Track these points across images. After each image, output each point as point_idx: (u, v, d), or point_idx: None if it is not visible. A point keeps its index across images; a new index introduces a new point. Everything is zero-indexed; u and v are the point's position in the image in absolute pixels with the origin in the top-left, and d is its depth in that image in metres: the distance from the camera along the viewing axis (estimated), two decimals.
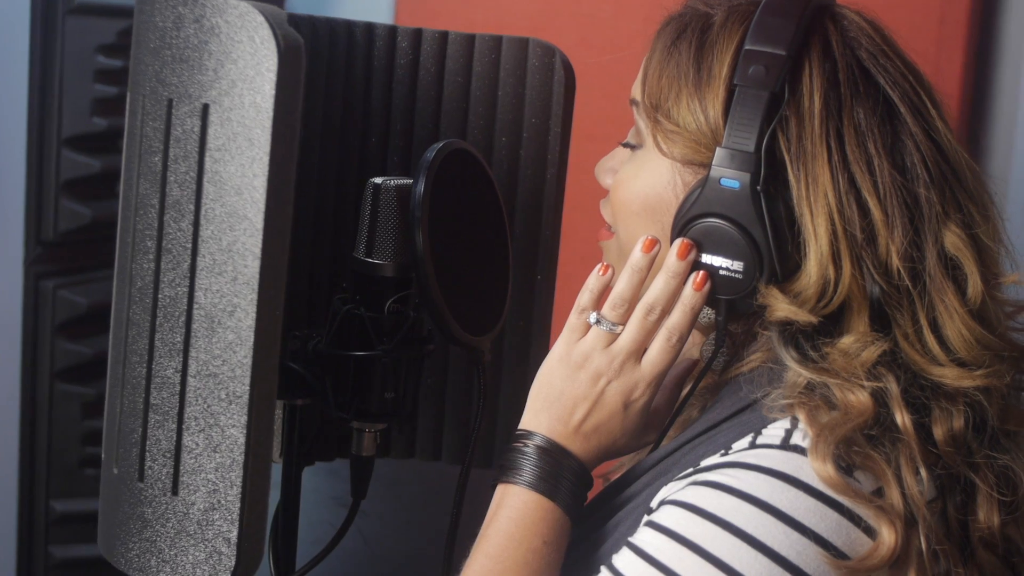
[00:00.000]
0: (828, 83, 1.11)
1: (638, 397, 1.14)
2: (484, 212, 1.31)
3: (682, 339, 1.14)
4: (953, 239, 1.10)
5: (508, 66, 1.44)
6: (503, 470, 1.14)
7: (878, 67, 1.13)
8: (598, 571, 1.07)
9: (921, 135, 1.12)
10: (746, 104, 1.10)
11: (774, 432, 1.07)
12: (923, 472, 1.05)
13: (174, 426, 1.08)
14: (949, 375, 1.07)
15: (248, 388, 1.06)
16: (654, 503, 1.09)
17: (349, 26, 1.41)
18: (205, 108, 1.05)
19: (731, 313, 1.14)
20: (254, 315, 1.05)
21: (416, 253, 1.20)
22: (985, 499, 1.09)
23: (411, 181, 1.22)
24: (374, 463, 1.33)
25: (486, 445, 1.49)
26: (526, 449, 1.14)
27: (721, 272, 1.12)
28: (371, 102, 1.43)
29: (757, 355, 1.14)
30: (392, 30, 1.43)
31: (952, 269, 1.10)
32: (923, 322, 1.08)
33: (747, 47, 1.12)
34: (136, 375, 1.09)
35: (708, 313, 1.17)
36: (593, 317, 1.15)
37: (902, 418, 1.06)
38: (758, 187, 1.09)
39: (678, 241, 1.13)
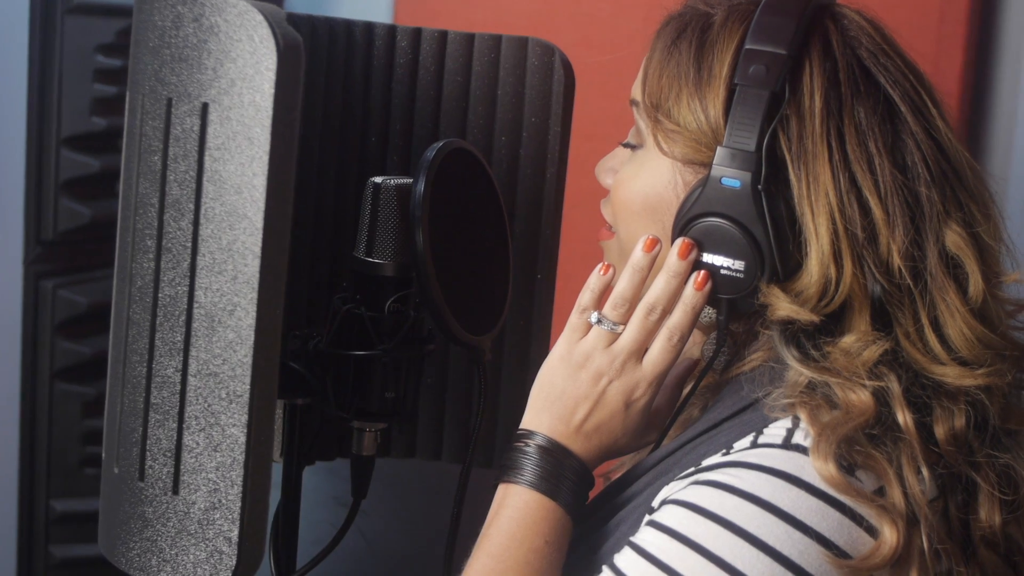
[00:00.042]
0: (829, 82, 1.11)
1: (639, 397, 1.14)
2: (484, 211, 1.30)
3: (683, 339, 1.14)
4: (954, 238, 1.10)
5: (508, 65, 1.43)
6: (504, 470, 1.14)
7: (878, 66, 1.13)
8: (600, 571, 1.07)
9: (922, 134, 1.12)
10: (747, 103, 1.10)
11: (776, 431, 1.07)
12: (925, 471, 1.05)
13: (175, 425, 1.08)
14: (950, 374, 1.07)
15: (248, 387, 1.05)
16: (655, 502, 1.09)
17: (348, 25, 1.41)
18: (204, 107, 1.05)
19: (732, 312, 1.14)
20: (254, 314, 1.05)
21: (416, 252, 1.20)
22: (987, 498, 1.09)
23: (411, 180, 1.22)
24: (375, 462, 1.33)
25: (486, 444, 1.49)
26: (527, 449, 1.14)
27: (722, 271, 1.12)
28: (371, 101, 1.43)
29: (758, 354, 1.14)
30: (391, 29, 1.43)
31: (953, 268, 1.10)
32: (924, 321, 1.08)
33: (747, 46, 1.12)
34: (136, 374, 1.09)
35: (709, 312, 1.17)
36: (594, 317, 1.15)
37: (904, 417, 1.06)
38: (759, 186, 1.09)
39: (679, 241, 1.13)
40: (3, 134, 2.23)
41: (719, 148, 1.11)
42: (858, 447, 1.04)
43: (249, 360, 1.05)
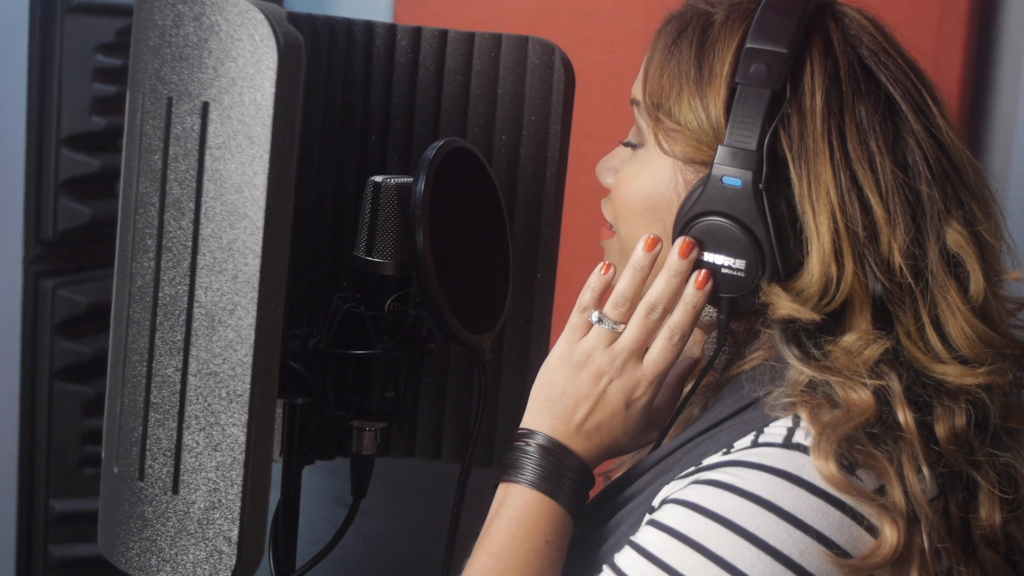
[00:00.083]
0: (830, 81, 1.11)
1: (640, 396, 1.14)
2: (484, 210, 1.30)
3: (684, 338, 1.14)
4: (955, 236, 1.10)
5: (508, 64, 1.43)
6: (505, 469, 1.14)
7: (879, 65, 1.13)
8: (600, 570, 1.07)
9: (923, 132, 1.12)
10: (748, 102, 1.10)
11: (776, 430, 1.07)
12: (925, 470, 1.05)
13: (174, 425, 1.07)
14: (951, 373, 1.07)
15: (249, 387, 1.05)
16: (656, 502, 1.09)
17: (348, 24, 1.41)
18: (205, 106, 1.05)
19: (733, 311, 1.14)
20: (254, 313, 1.05)
21: (416, 251, 1.20)
22: (987, 497, 1.09)
23: (411, 179, 1.22)
24: (374, 462, 1.33)
25: (486, 444, 1.49)
26: (528, 448, 1.14)
27: (723, 270, 1.12)
28: (371, 100, 1.43)
29: (759, 353, 1.14)
30: (391, 28, 1.43)
31: (954, 266, 1.10)
32: (925, 320, 1.08)
33: (748, 45, 1.12)
34: (136, 374, 1.09)
35: (710, 311, 1.17)
36: (595, 316, 1.15)
37: (904, 416, 1.06)
38: (760, 185, 1.09)
39: (680, 240, 1.13)
40: (3, 133, 2.23)
41: (720, 147, 1.11)
42: (859, 446, 1.04)
43: (249, 359, 1.05)
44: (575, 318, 1.16)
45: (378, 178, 1.24)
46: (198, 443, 1.07)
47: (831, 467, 1.02)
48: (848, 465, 1.03)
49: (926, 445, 1.06)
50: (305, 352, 1.27)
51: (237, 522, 1.06)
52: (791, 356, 1.09)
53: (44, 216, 2.30)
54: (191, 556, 1.08)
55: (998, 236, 1.14)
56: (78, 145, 2.31)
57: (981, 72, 2.43)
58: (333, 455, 1.45)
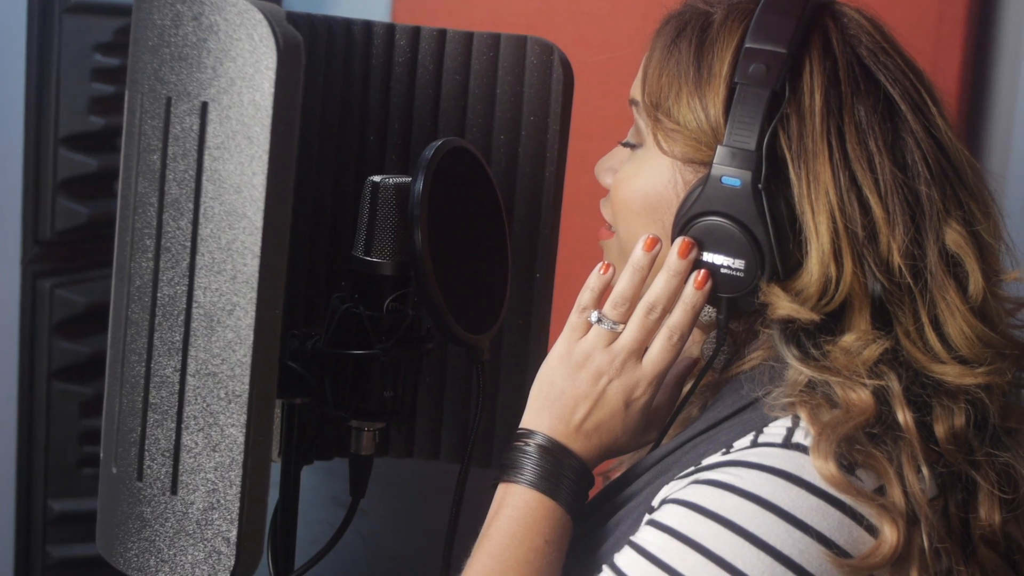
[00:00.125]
0: (829, 81, 1.11)
1: (639, 396, 1.14)
2: (483, 210, 1.30)
3: (683, 338, 1.14)
4: (954, 236, 1.10)
5: (506, 64, 1.43)
6: (505, 469, 1.14)
7: (878, 65, 1.13)
8: (600, 570, 1.06)
9: (922, 132, 1.12)
10: (747, 102, 1.10)
11: (776, 430, 1.07)
12: (925, 470, 1.05)
13: (173, 425, 1.07)
14: (951, 373, 1.07)
15: (247, 387, 1.05)
16: (655, 502, 1.09)
17: (347, 24, 1.41)
18: (204, 106, 1.05)
19: (732, 311, 1.14)
20: (253, 314, 1.05)
21: (415, 251, 1.20)
22: (986, 497, 1.09)
23: (410, 179, 1.22)
24: (373, 462, 1.33)
25: (485, 444, 1.49)
26: (527, 448, 1.14)
27: (722, 270, 1.12)
28: (369, 100, 1.43)
29: (758, 353, 1.14)
30: (390, 28, 1.43)
31: (953, 266, 1.10)
32: (924, 320, 1.08)
33: (747, 45, 1.12)
34: (135, 374, 1.09)
35: (709, 311, 1.17)
36: (594, 316, 1.15)
37: (904, 416, 1.06)
38: (759, 185, 1.09)
39: (679, 240, 1.13)
40: (1, 133, 2.23)
41: (719, 147, 1.11)
42: (858, 446, 1.04)
43: (248, 360, 1.05)
44: (574, 318, 1.16)
45: (377, 178, 1.24)
46: (197, 443, 1.07)
47: (831, 467, 1.02)
48: (848, 465, 1.03)
49: (925, 445, 1.06)
50: (304, 352, 1.27)
51: (236, 523, 1.06)
52: (790, 356, 1.09)
53: (42, 216, 2.29)
54: (190, 556, 1.07)
55: (997, 236, 1.14)
56: (76, 145, 2.30)
57: (979, 72, 2.43)
58: (332, 455, 1.45)
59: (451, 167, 1.24)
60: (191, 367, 1.07)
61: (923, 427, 1.07)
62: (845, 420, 1.04)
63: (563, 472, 1.13)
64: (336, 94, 1.41)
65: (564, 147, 1.45)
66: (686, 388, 1.24)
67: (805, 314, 1.08)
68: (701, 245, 1.13)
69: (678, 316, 1.13)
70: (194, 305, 1.06)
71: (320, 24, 1.39)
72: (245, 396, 1.05)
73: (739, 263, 1.11)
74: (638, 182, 1.18)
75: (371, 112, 1.43)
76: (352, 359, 1.26)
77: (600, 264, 1.17)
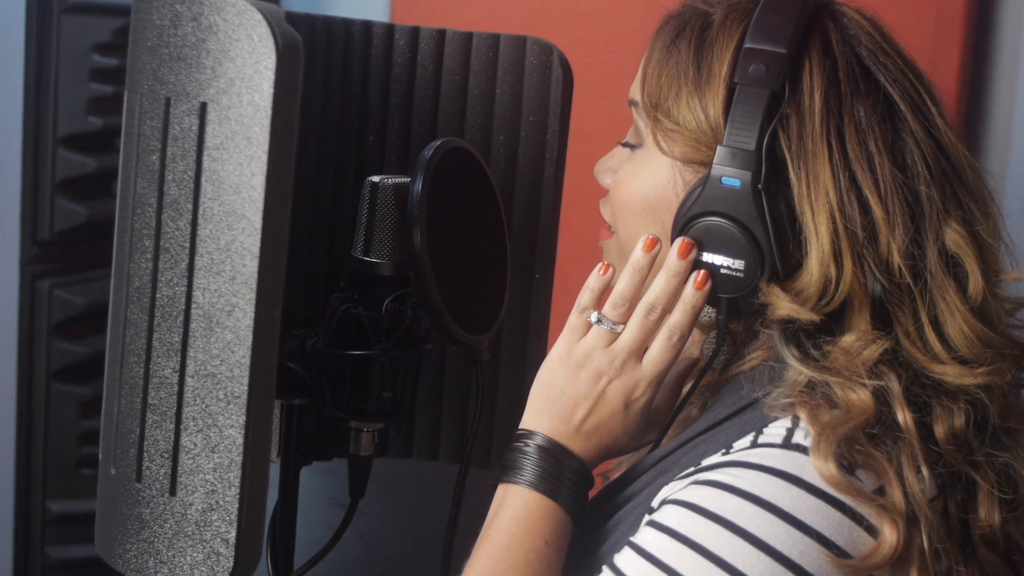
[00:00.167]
0: (828, 81, 1.11)
1: (639, 396, 1.14)
2: (482, 211, 1.30)
3: (683, 338, 1.14)
4: (954, 236, 1.10)
5: (506, 64, 1.43)
6: (504, 470, 1.14)
7: (878, 65, 1.13)
8: (599, 570, 1.06)
9: (921, 132, 1.12)
10: (747, 102, 1.10)
11: (775, 431, 1.07)
12: (924, 470, 1.05)
13: (172, 426, 1.07)
14: (950, 373, 1.07)
15: (246, 388, 1.05)
16: (655, 502, 1.09)
17: (346, 24, 1.41)
18: (203, 107, 1.05)
19: (732, 312, 1.14)
20: (252, 315, 1.05)
21: (414, 252, 1.20)
22: (986, 497, 1.09)
23: (409, 179, 1.22)
24: (372, 463, 1.33)
25: (484, 445, 1.48)
26: (527, 449, 1.13)
27: (722, 271, 1.12)
28: (368, 100, 1.43)
29: (758, 353, 1.14)
30: (389, 28, 1.43)
31: (953, 267, 1.10)
32: (924, 320, 1.08)
33: (747, 45, 1.12)
34: (134, 375, 1.09)
35: (709, 311, 1.17)
36: (594, 316, 1.15)
37: (903, 416, 1.06)
38: (759, 185, 1.09)
39: (679, 240, 1.13)
40: None
41: (719, 147, 1.11)
42: (858, 446, 1.04)
43: (247, 361, 1.05)
44: (574, 318, 1.16)
45: (376, 178, 1.24)
46: (196, 445, 1.06)
47: (831, 467, 1.02)
48: (848, 465, 1.03)
49: (925, 445, 1.06)
50: (303, 353, 1.27)
51: (235, 524, 1.06)
52: (790, 356, 1.09)
53: (41, 216, 2.29)
54: (189, 558, 1.07)
55: (996, 236, 1.14)
56: (75, 145, 2.30)
57: (978, 72, 2.43)
58: (331, 456, 1.45)
59: (450, 167, 1.24)
60: (190, 368, 1.06)
61: (923, 427, 1.07)
62: (845, 420, 1.04)
63: (563, 473, 1.13)
64: (335, 94, 1.41)
65: (563, 147, 1.45)
66: (686, 388, 1.24)
67: (805, 314, 1.08)
68: (701, 245, 1.13)
69: (678, 316, 1.13)
70: (193, 306, 1.06)
71: (319, 24, 1.38)
72: (244, 397, 1.05)
73: (739, 263, 1.11)
74: (638, 182, 1.18)
75: (370, 112, 1.43)
76: (351, 360, 1.25)
77: (600, 264, 1.17)
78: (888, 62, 1.13)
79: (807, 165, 1.09)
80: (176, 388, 1.07)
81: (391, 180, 1.23)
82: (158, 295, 1.07)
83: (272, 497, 1.21)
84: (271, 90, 1.03)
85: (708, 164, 1.12)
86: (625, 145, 1.22)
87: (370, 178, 1.24)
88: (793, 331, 1.10)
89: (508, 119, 1.44)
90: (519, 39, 1.43)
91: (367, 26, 1.42)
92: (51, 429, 2.34)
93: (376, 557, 2.72)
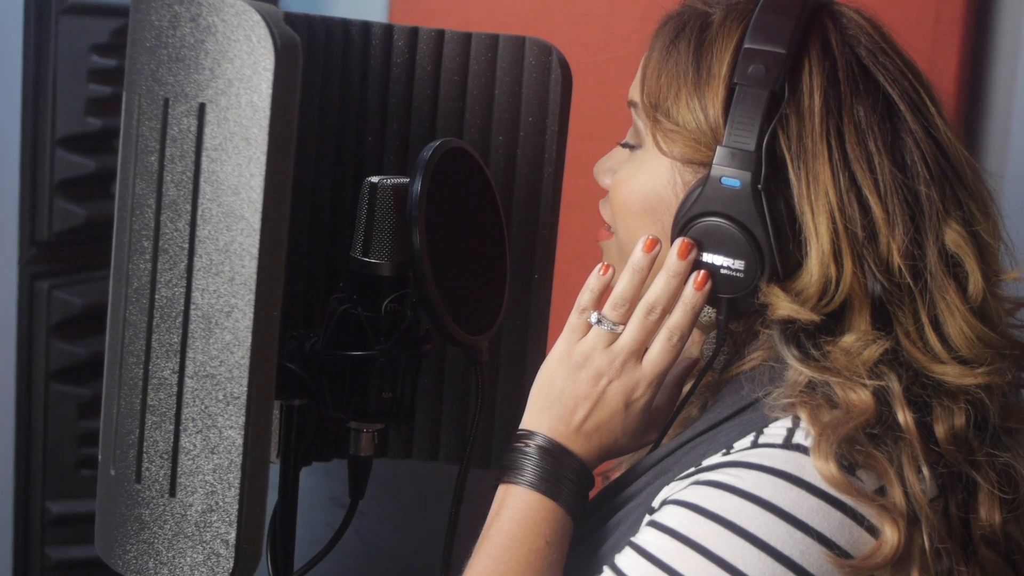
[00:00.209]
0: (828, 81, 1.11)
1: (639, 396, 1.14)
2: (481, 211, 1.30)
3: (683, 338, 1.14)
4: (954, 236, 1.10)
5: (505, 65, 1.43)
6: (505, 470, 1.14)
7: (877, 65, 1.13)
8: (600, 570, 1.06)
9: (921, 132, 1.11)
10: (746, 103, 1.10)
11: (776, 431, 1.07)
12: (925, 470, 1.05)
13: (171, 427, 1.07)
14: (951, 373, 1.07)
15: (246, 389, 1.05)
16: (655, 502, 1.09)
17: (345, 25, 1.41)
18: (202, 107, 1.05)
19: (732, 312, 1.14)
20: (252, 316, 1.04)
21: (413, 252, 1.20)
22: (987, 497, 1.09)
23: (408, 180, 1.22)
24: (372, 463, 1.33)
25: (483, 445, 1.48)
26: (527, 449, 1.13)
27: (722, 271, 1.12)
28: (367, 101, 1.43)
29: (758, 353, 1.14)
30: (388, 29, 1.42)
31: (953, 266, 1.10)
32: (924, 320, 1.08)
33: (746, 45, 1.11)
34: (133, 376, 1.09)
35: (709, 312, 1.17)
36: (594, 317, 1.15)
37: (904, 417, 1.06)
38: (759, 186, 1.09)
39: (679, 240, 1.13)
40: None
41: (719, 148, 1.11)
42: (859, 447, 1.04)
43: (246, 362, 1.05)
44: (574, 319, 1.16)
45: (374, 179, 1.24)
46: (195, 445, 1.06)
47: (831, 468, 1.02)
48: (848, 466, 1.03)
49: (926, 445, 1.06)
50: (302, 353, 1.27)
51: (235, 524, 1.06)
52: (790, 356, 1.09)
53: (39, 217, 2.29)
54: (188, 559, 1.07)
55: (996, 236, 1.14)
56: (73, 146, 2.30)
57: (977, 72, 2.43)
58: (330, 456, 1.45)
59: (449, 168, 1.24)
60: (189, 369, 1.06)
61: (923, 427, 1.07)
62: (845, 421, 1.04)
63: (563, 473, 1.13)
64: (334, 95, 1.40)
65: (562, 148, 1.44)
66: (686, 388, 1.24)
67: (805, 314, 1.08)
68: (701, 246, 1.13)
69: (678, 317, 1.13)
70: (192, 307, 1.06)
71: (318, 25, 1.38)
72: (243, 398, 1.05)
73: (739, 264, 1.11)
74: (637, 183, 1.18)
75: (369, 113, 1.43)
76: (350, 360, 1.25)
77: (600, 265, 1.17)
78: (887, 62, 1.13)
79: (807, 165, 1.09)
80: (175, 389, 1.07)
81: (390, 181, 1.23)
82: (157, 296, 1.07)
83: (272, 497, 1.21)
84: (270, 91, 1.03)
85: (708, 164, 1.12)
86: (624, 146, 1.22)
87: (369, 179, 1.24)
88: (793, 331, 1.10)
89: (507, 119, 1.43)
90: (518, 39, 1.43)
91: (366, 26, 1.42)
92: (50, 430, 2.34)
93: (376, 557, 2.72)
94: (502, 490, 1.14)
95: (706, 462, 1.08)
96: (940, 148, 1.12)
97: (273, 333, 1.07)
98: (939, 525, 1.05)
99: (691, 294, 1.13)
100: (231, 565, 1.06)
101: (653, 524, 1.06)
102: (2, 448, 2.30)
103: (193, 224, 1.06)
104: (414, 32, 1.43)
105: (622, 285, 1.15)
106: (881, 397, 1.06)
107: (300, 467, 1.33)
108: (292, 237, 1.09)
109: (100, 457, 1.15)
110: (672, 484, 1.09)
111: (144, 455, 1.08)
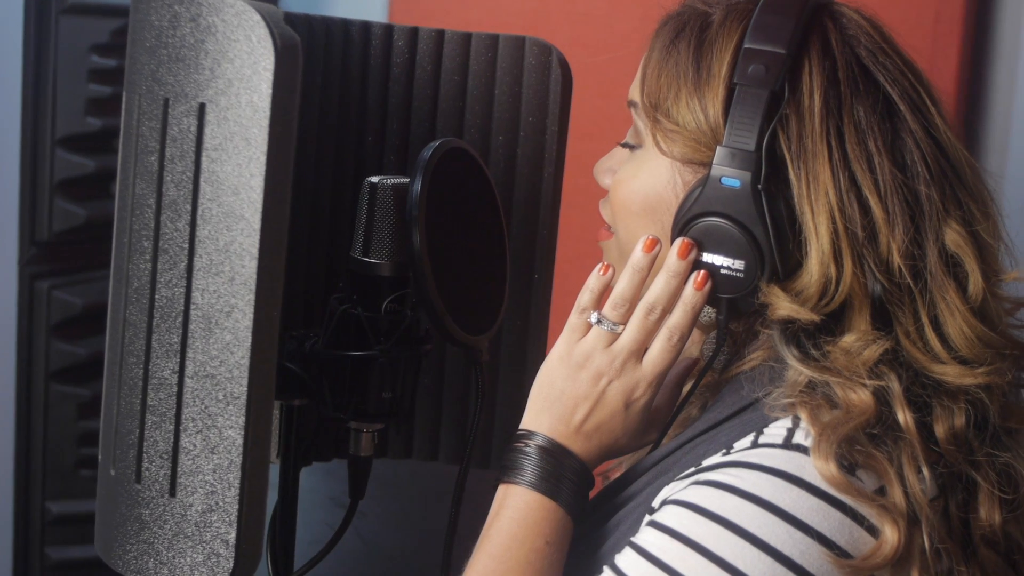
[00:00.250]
0: (828, 81, 1.11)
1: (639, 396, 1.14)
2: (481, 211, 1.30)
3: (683, 338, 1.14)
4: (954, 236, 1.09)
5: (504, 64, 1.43)
6: (505, 470, 1.14)
7: (877, 65, 1.13)
8: (600, 570, 1.06)
9: (921, 132, 1.11)
10: (746, 103, 1.10)
11: (776, 431, 1.07)
12: (925, 470, 1.05)
13: (171, 427, 1.07)
14: (951, 373, 1.07)
15: (246, 389, 1.05)
16: (655, 502, 1.09)
17: (345, 25, 1.41)
18: (202, 107, 1.05)
19: (732, 312, 1.14)
20: (251, 316, 1.04)
21: (413, 252, 1.20)
22: (987, 497, 1.09)
23: (408, 180, 1.22)
24: (372, 463, 1.33)
25: (483, 445, 1.48)
26: (527, 449, 1.13)
27: (722, 271, 1.12)
28: (367, 101, 1.43)
29: (758, 353, 1.14)
30: (388, 29, 1.42)
31: (953, 266, 1.10)
32: (924, 320, 1.08)
33: (747, 45, 1.11)
34: (133, 376, 1.09)
35: (709, 312, 1.17)
36: (594, 317, 1.15)
37: (904, 417, 1.06)
38: (759, 186, 1.09)
39: (679, 240, 1.13)
40: None
41: (719, 148, 1.11)
42: (859, 447, 1.04)
43: (246, 362, 1.05)
44: (574, 319, 1.16)
45: (374, 179, 1.24)
46: (195, 445, 1.06)
47: (831, 468, 1.02)
48: (848, 466, 1.03)
49: (926, 445, 1.06)
50: (302, 353, 1.27)
51: (235, 525, 1.06)
52: (790, 356, 1.09)
53: (39, 217, 2.29)
54: (188, 559, 1.07)
55: (996, 236, 1.14)
56: (73, 146, 2.30)
57: (977, 71, 2.43)
58: (330, 457, 1.45)
59: (449, 168, 1.24)
60: (189, 369, 1.06)
61: (923, 427, 1.07)
62: (845, 421, 1.04)
63: (563, 473, 1.13)
64: (334, 95, 1.40)
65: (562, 148, 1.44)
66: (686, 388, 1.24)
67: (805, 314, 1.08)
68: (701, 246, 1.13)
69: (678, 317, 1.13)
70: (192, 307, 1.06)
71: (318, 25, 1.38)
72: (243, 398, 1.05)
73: (739, 264, 1.11)
74: (637, 183, 1.18)
75: (369, 113, 1.43)
76: (350, 360, 1.25)
77: (600, 265, 1.17)
78: (887, 62, 1.13)
79: (807, 165, 1.09)
80: (175, 389, 1.07)
81: (390, 181, 1.23)
82: (157, 296, 1.07)
83: (272, 497, 1.21)
84: (270, 91, 1.03)
85: (708, 164, 1.12)
86: (624, 146, 1.22)
87: (369, 179, 1.24)
88: (793, 331, 1.10)
89: (507, 119, 1.43)
90: (518, 39, 1.43)
91: (366, 26, 1.42)
92: (50, 430, 2.34)
93: (376, 557, 2.72)
94: (502, 490, 1.14)
95: (706, 462, 1.08)
96: (940, 148, 1.12)
97: (273, 333, 1.07)
98: (939, 525, 1.05)
99: (691, 294, 1.13)
100: (231, 565, 1.06)
101: (653, 524, 1.06)
102: (2, 448, 2.30)
103: (193, 224, 1.06)
104: (414, 32, 1.43)
105: (622, 285, 1.15)
106: (881, 397, 1.06)
107: (300, 467, 1.33)
108: (292, 237, 1.09)
109: (100, 457, 1.15)
110: (672, 484, 1.09)
111: (144, 455, 1.08)
